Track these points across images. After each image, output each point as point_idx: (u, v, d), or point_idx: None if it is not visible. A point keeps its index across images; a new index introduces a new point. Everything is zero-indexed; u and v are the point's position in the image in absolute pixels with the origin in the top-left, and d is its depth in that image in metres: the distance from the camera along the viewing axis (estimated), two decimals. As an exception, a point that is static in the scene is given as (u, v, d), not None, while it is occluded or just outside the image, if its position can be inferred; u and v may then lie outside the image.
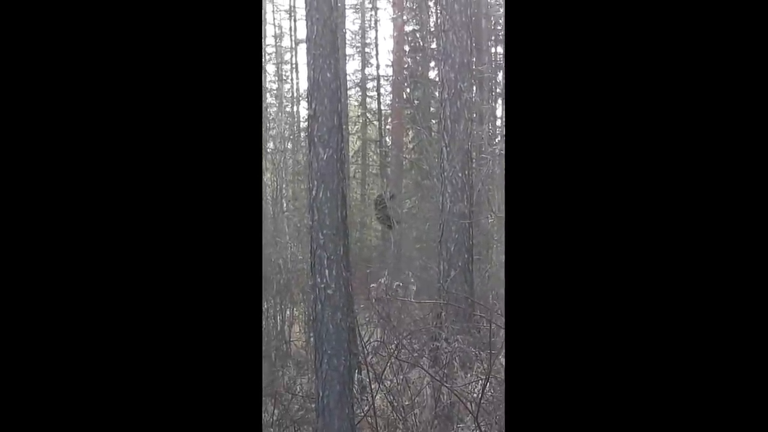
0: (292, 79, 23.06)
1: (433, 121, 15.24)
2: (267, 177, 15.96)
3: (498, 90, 14.66)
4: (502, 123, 13.74)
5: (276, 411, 6.55)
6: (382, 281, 6.04)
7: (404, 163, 17.82)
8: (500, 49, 15.38)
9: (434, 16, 17.31)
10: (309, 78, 5.86)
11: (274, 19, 22.91)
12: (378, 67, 21.20)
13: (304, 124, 16.13)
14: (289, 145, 18.91)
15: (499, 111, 14.46)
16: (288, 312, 9.84)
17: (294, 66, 22.92)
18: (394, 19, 18.72)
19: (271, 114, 22.36)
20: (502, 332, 5.20)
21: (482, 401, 4.78)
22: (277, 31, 23.09)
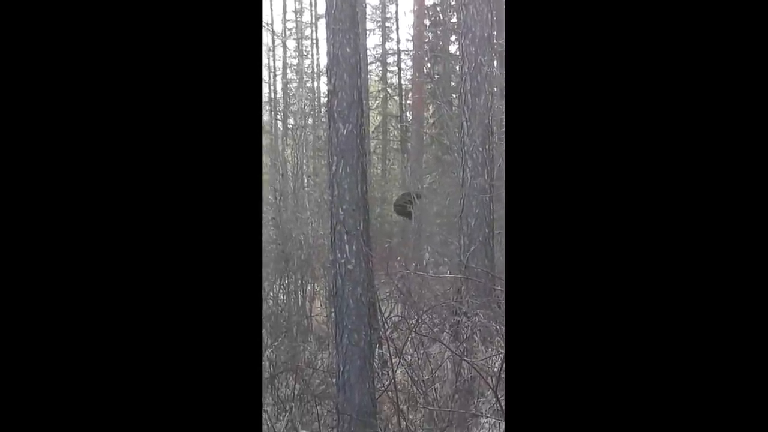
0: (312, 55, 23.08)
1: (454, 96, 15.18)
2: (288, 153, 16.00)
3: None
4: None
5: (297, 385, 6.59)
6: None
7: (425, 137, 17.78)
8: (521, 23, 15.21)
9: (455, -10, 17.20)
10: (328, 53, 5.83)
11: (294, -7, 22.91)
12: (398, 41, 21.16)
13: (324, 100, 16.10)
14: (310, 121, 18.94)
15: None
16: (309, 287, 9.86)
17: (314, 41, 22.93)
18: (414, -7, 18.63)
19: (291, 89, 22.41)
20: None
21: (502, 375, 4.78)
22: (297, 6, 23.11)
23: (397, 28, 21.24)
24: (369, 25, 19.43)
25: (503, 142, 9.90)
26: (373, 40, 20.87)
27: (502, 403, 4.61)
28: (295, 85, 22.35)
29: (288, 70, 23.05)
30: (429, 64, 18.59)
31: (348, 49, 5.73)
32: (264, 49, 22.47)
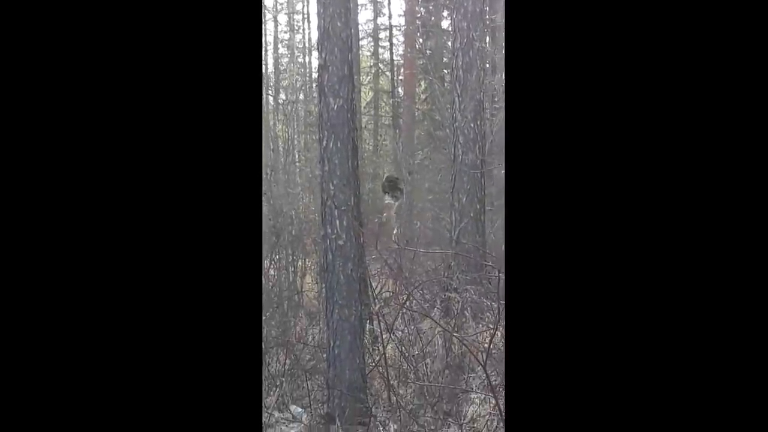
0: (303, 29, 23.00)
1: (446, 71, 15.15)
2: (279, 128, 15.93)
3: (511, 39, 14.48)
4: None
5: (287, 361, 6.58)
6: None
7: (416, 113, 17.75)
8: (514, -2, 15.19)
9: (447, -36, 17.11)
10: (319, 27, 5.79)
11: (285, -32, 22.78)
12: (390, 16, 21.10)
13: (315, 75, 16.07)
14: (301, 96, 18.86)
15: (513, 61, 14.32)
16: (300, 262, 9.83)
17: (306, 16, 22.84)
18: (406, -32, 18.52)
19: (282, 64, 22.33)
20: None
21: (492, 351, 4.79)
22: (289, -20, 22.96)
23: (389, 3, 21.24)
24: (361, 0, 19.33)
25: (495, 118, 9.90)
26: (364, 15, 20.82)
27: (492, 379, 4.63)
28: (286, 60, 22.29)
29: (279, 45, 22.97)
30: (421, 40, 18.52)
31: (339, 24, 5.68)
32: (255, 23, 22.31)
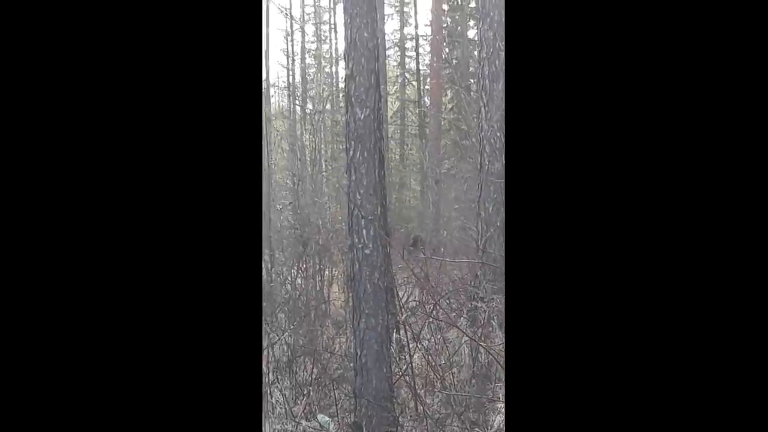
0: (330, 39, 23.15)
1: (472, 81, 15.18)
2: (306, 138, 16.03)
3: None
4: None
5: (315, 370, 6.61)
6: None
7: (443, 123, 17.77)
8: (540, 7, 15.19)
9: (473, -26, 17.14)
10: (346, 38, 5.81)
11: (312, -22, 22.93)
12: (417, 26, 21.18)
13: (342, 85, 16.17)
14: (328, 106, 18.97)
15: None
16: (327, 272, 9.87)
17: (332, 26, 22.98)
18: (432, -22, 18.57)
19: (310, 74, 22.46)
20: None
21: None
22: (316, -9, 23.11)
23: (416, 13, 21.25)
24: (387, 10, 19.42)
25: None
26: (391, 25, 20.89)
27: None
28: (313, 70, 22.42)
29: (306, 55, 23.10)
30: (447, 49, 18.57)
31: (366, 34, 5.70)
32: (282, 34, 22.67)
